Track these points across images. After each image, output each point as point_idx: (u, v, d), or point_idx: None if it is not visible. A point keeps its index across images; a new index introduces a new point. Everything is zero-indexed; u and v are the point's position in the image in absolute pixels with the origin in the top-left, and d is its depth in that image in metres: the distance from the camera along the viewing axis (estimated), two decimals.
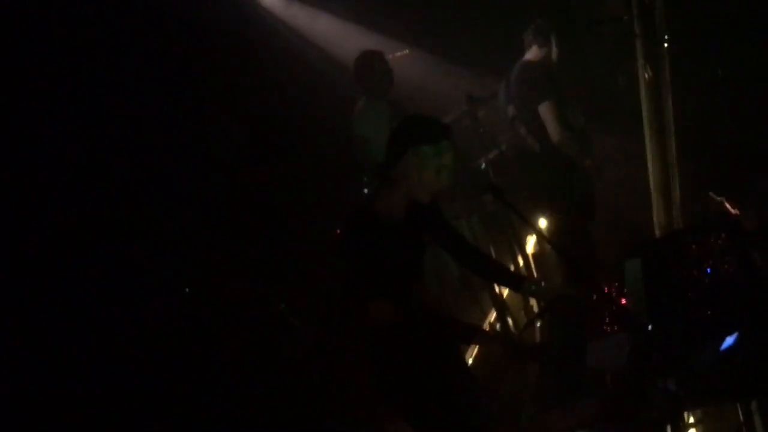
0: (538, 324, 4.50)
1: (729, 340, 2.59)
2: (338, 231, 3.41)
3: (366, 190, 5.29)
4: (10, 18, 4.30)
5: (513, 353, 3.17)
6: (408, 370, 3.22)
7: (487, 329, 5.15)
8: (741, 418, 2.92)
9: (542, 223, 5.49)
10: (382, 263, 3.10)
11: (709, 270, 2.78)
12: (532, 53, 5.19)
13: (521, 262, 5.56)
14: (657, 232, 4.70)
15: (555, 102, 4.99)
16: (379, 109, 5.48)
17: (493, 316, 5.50)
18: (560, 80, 5.24)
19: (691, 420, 3.24)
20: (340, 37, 6.71)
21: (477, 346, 5.02)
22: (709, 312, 2.64)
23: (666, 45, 4.51)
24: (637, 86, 4.57)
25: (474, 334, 3.23)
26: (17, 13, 4.32)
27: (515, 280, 3.47)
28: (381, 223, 3.12)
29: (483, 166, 5.58)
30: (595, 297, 2.99)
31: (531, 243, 5.90)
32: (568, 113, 5.16)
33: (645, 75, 4.59)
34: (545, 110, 4.98)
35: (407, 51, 6.53)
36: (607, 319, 2.90)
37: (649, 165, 4.73)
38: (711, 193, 4.67)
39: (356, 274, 3.18)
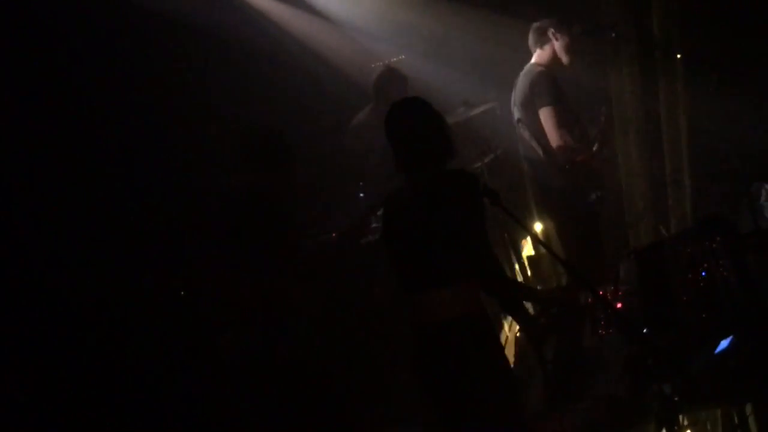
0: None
1: (724, 344, 2.59)
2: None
3: (362, 195, 5.29)
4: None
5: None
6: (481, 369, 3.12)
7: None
8: (736, 421, 2.92)
9: (538, 226, 5.49)
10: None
11: (704, 273, 2.78)
12: (536, 56, 5.18)
13: (517, 265, 5.57)
14: (631, 238, 4.72)
15: (556, 107, 4.95)
16: (381, 122, 5.45)
17: None
18: (569, 83, 5.18)
19: (686, 423, 3.24)
20: (337, 44, 6.71)
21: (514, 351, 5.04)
22: (704, 315, 2.65)
23: (679, 56, 4.53)
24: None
25: (518, 310, 3.29)
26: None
27: (510, 286, 3.48)
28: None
29: (479, 170, 5.58)
30: (590, 300, 3.00)
31: (527, 246, 5.91)
32: (583, 117, 5.15)
33: (628, 79, 4.63)
34: (545, 115, 4.97)
35: (403, 57, 6.53)
36: (603, 323, 2.91)
37: (621, 167, 4.76)
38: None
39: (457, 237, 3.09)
